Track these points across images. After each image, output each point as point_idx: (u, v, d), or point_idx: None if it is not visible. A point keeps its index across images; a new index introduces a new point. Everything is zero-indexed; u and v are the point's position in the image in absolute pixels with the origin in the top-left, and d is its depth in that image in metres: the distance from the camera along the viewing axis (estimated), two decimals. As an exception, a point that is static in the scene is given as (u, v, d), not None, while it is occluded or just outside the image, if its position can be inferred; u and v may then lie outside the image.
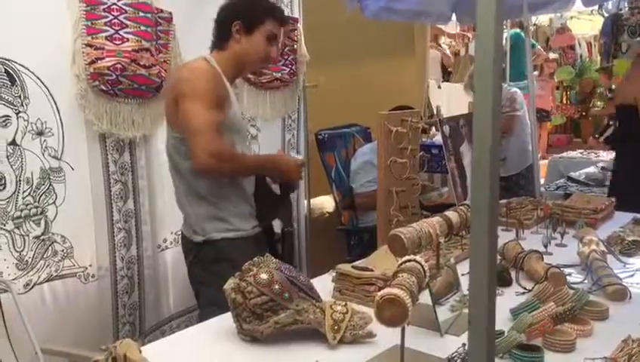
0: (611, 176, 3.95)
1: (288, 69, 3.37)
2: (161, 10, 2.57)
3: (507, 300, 1.77)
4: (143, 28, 2.43)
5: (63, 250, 2.34)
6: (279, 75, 3.30)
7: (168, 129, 2.16)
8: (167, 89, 2.21)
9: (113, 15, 2.36)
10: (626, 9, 8.00)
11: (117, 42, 2.36)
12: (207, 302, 2.08)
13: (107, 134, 2.45)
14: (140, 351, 1.40)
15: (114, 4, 2.37)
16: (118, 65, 2.34)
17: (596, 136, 8.43)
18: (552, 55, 9.08)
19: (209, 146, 1.97)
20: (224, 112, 2.08)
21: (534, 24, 9.57)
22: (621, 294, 1.79)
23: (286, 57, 3.32)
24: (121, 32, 2.37)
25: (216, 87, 2.06)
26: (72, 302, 2.38)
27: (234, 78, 2.25)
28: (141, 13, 2.44)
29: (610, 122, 8.36)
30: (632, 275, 2.00)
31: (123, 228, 2.56)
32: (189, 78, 2.05)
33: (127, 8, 2.39)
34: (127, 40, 2.38)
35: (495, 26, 0.86)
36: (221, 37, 2.17)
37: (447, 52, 7.87)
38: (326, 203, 4.08)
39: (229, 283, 1.53)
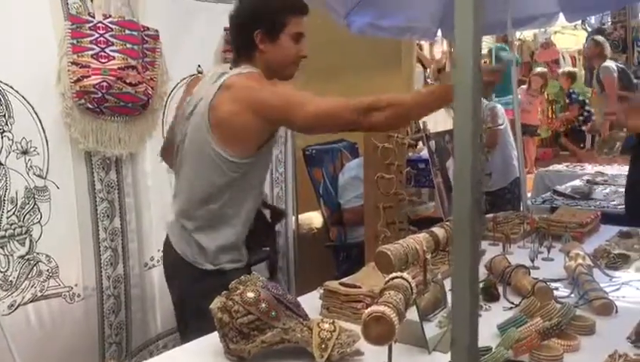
0: (627, 189, 3.43)
1: (275, 86, 3.38)
2: (148, 28, 2.57)
3: (495, 315, 1.77)
4: (129, 46, 2.43)
5: (48, 270, 2.32)
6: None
7: (214, 153, 1.91)
8: (224, 102, 1.92)
9: (99, 33, 2.36)
10: (609, 24, 8.15)
11: (103, 60, 2.36)
12: (201, 334, 1.76)
13: (93, 152, 2.43)
14: (125, 373, 1.38)
15: (100, 22, 2.37)
16: (104, 84, 2.33)
17: (582, 146, 8.51)
18: (538, 69, 9.19)
19: (346, 110, 1.87)
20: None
21: (519, 39, 9.70)
22: (607, 308, 1.79)
23: (273, 74, 3.32)
24: (107, 50, 2.37)
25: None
26: (57, 323, 2.35)
27: None
28: (127, 31, 2.44)
29: (583, 128, 8.49)
30: (618, 289, 2.00)
31: (109, 247, 2.53)
32: (268, 94, 1.90)
33: (113, 26, 2.39)
34: (114, 58, 2.38)
35: (473, 40, 0.85)
36: (245, 47, 1.99)
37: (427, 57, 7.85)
38: (314, 219, 4.07)
39: (216, 303, 1.52)
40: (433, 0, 4.00)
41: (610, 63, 6.52)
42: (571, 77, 8.67)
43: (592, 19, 8.71)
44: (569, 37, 10.42)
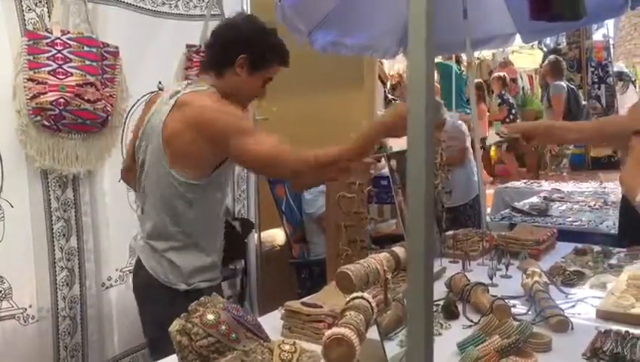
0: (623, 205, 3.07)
1: (237, 103, 3.37)
2: (107, 45, 2.53)
3: (454, 333, 1.79)
4: (88, 62, 2.40)
5: (1, 291, 2.25)
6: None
7: (169, 174, 1.89)
8: (178, 125, 1.88)
9: (57, 49, 2.32)
10: (564, 44, 8.41)
11: (60, 77, 2.32)
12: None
13: (49, 170, 2.38)
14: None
15: (58, 38, 2.33)
16: (61, 100, 2.29)
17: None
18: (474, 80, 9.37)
19: (300, 161, 1.85)
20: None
21: (478, 58, 9.91)
22: (563, 325, 1.82)
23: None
24: (64, 67, 2.33)
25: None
26: (10, 346, 2.29)
27: None
28: (86, 48, 2.40)
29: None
30: (573, 306, 2.04)
31: (65, 267, 2.47)
32: (216, 114, 1.86)
33: (71, 42, 2.36)
34: (72, 74, 2.34)
35: (426, 59, 0.86)
36: (221, 62, 1.97)
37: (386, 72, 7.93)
38: (277, 236, 4.06)
39: (174, 325, 1.49)
40: (395, 20, 4.06)
41: (561, 82, 6.75)
42: (502, 80, 8.98)
43: (548, 40, 8.98)
44: (526, 56, 10.73)
